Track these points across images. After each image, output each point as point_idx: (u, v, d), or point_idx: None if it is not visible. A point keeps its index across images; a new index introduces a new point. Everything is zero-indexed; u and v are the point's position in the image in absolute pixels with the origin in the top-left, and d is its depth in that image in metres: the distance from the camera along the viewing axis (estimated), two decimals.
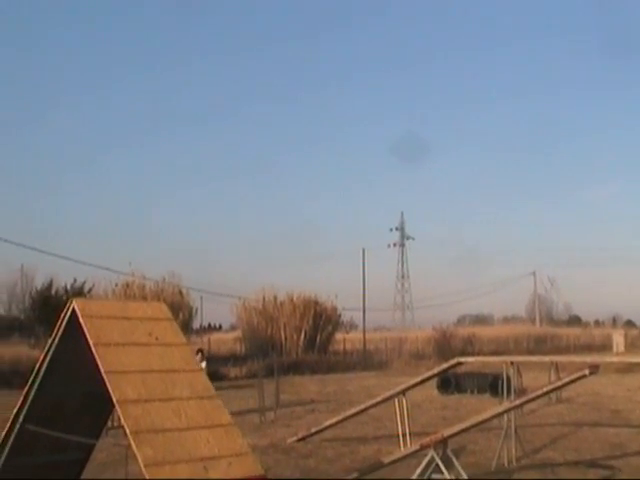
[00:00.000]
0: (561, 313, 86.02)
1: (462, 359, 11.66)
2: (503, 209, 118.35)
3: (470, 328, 57.21)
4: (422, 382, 11.18)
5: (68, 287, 30.32)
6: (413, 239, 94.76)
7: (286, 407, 18.98)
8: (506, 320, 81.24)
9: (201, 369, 6.81)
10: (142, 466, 5.43)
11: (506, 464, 10.81)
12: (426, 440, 8.27)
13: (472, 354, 32.31)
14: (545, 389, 8.00)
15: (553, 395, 19.73)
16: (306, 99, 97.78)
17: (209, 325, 68.00)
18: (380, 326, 76.64)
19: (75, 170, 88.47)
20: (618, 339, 48.25)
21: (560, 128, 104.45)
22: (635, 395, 20.21)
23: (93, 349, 6.04)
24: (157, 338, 6.55)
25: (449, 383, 22.31)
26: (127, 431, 5.61)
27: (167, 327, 6.79)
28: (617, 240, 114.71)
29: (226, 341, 41.46)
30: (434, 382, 21.89)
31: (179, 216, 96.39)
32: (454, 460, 8.46)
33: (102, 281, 32.59)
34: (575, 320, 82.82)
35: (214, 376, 28.62)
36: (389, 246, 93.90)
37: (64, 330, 6.48)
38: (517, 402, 7.82)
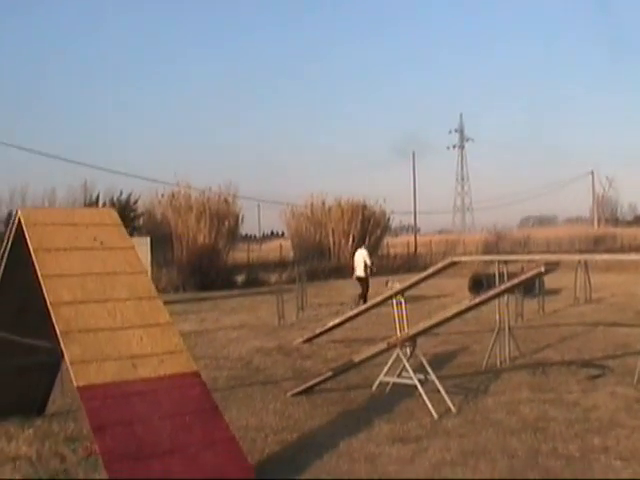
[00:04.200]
0: (626, 213, 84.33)
1: (456, 259, 11.56)
2: (563, 107, 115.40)
3: (530, 230, 56.65)
4: (417, 283, 11.14)
5: (114, 200, 30.57)
6: (472, 140, 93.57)
7: (313, 311, 19.21)
8: (570, 221, 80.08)
9: (146, 272, 6.82)
10: (68, 364, 5.50)
11: (498, 364, 10.82)
12: (393, 339, 8.32)
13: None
14: (502, 287, 7.88)
15: (582, 295, 19.56)
16: None
17: (271, 232, 69.24)
18: (442, 229, 76.85)
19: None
20: None
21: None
22: None
23: (33, 254, 6.12)
24: (102, 242, 6.57)
25: (481, 284, 22.12)
26: (57, 332, 5.64)
27: (114, 232, 6.77)
28: None
29: (284, 248, 41.69)
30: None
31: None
32: (422, 359, 8.51)
33: (151, 192, 32.71)
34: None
35: (255, 282, 29.27)
36: (448, 148, 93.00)
37: (14, 239, 6.63)
38: (476, 301, 7.74)
